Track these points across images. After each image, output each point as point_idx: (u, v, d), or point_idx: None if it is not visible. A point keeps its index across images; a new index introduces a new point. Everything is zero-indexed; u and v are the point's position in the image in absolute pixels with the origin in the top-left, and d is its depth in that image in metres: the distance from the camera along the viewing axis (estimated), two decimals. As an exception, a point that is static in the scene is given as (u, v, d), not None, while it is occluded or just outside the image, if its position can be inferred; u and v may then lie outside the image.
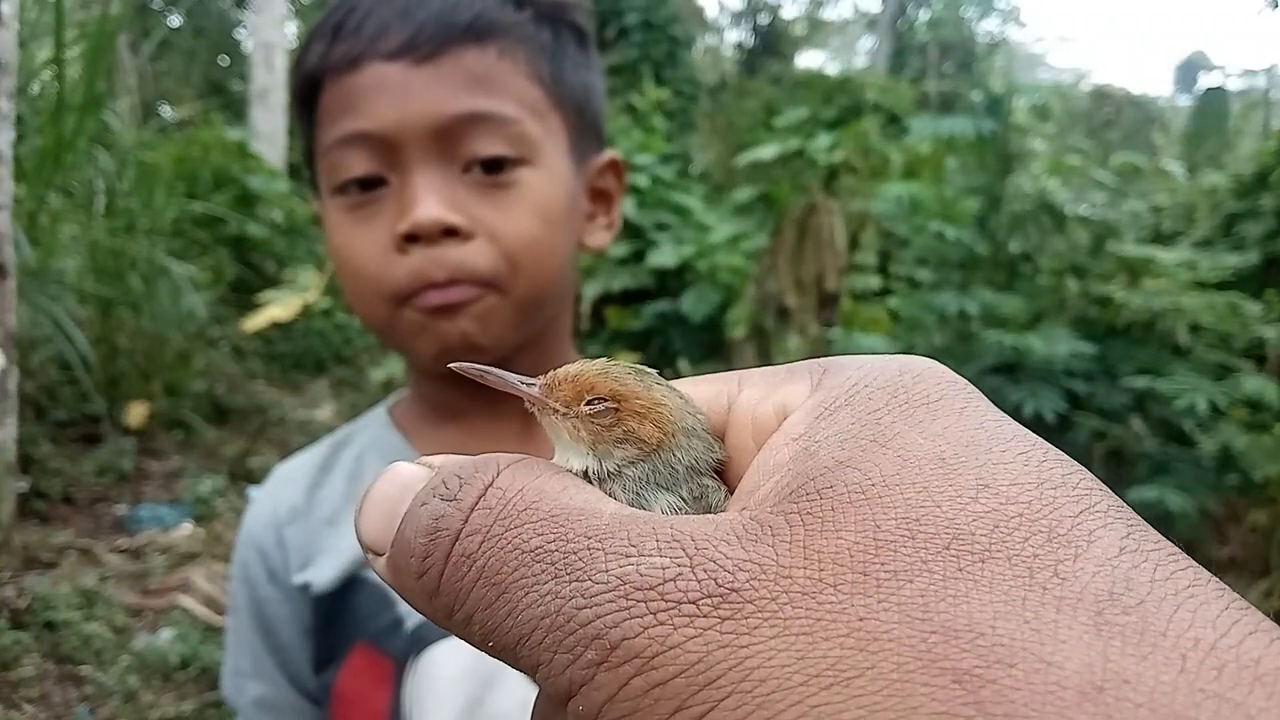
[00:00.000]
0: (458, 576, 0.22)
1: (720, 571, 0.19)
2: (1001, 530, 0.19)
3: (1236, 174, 6.05)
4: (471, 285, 0.74)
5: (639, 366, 0.31)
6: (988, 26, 22.32)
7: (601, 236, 0.83)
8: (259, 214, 7.31)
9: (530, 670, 0.21)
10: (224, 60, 15.91)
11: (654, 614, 0.19)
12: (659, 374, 0.32)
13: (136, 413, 4.93)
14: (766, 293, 7.45)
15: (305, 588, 0.80)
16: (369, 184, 0.74)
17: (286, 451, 5.05)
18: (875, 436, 0.22)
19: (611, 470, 0.30)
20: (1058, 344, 3.71)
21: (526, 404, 0.32)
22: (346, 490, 0.82)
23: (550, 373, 0.31)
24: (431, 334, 0.75)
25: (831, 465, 0.22)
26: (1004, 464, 0.21)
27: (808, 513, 0.21)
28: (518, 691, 0.72)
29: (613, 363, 0.31)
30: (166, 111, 12.34)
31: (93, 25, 5.21)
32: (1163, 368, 3.80)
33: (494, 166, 0.74)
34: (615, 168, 0.85)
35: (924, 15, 21.41)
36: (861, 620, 0.18)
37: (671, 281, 7.95)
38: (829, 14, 24.53)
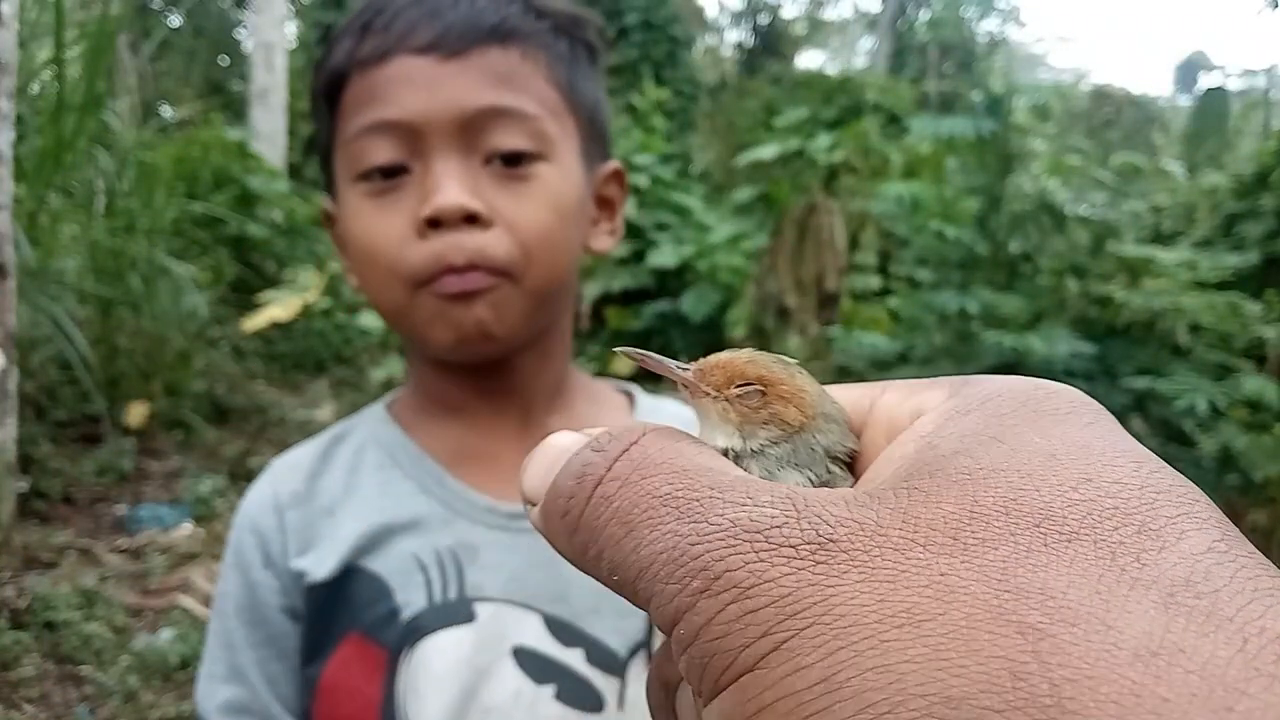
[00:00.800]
0: (595, 515, 0.25)
1: (822, 524, 0.21)
2: (1094, 518, 0.20)
3: (1236, 174, 6.06)
4: (488, 273, 0.75)
5: (782, 356, 0.34)
6: (988, 26, 22.33)
7: (605, 241, 0.86)
8: (259, 214, 7.30)
9: (645, 602, 0.23)
10: (224, 60, 15.92)
11: (756, 553, 0.21)
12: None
13: (136, 413, 4.93)
14: (767, 293, 7.46)
15: (301, 575, 0.80)
16: (391, 172, 0.76)
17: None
18: (995, 434, 0.24)
19: (754, 449, 0.32)
20: (1058, 344, 3.71)
21: (680, 386, 0.34)
22: (345, 481, 0.83)
23: (702, 359, 0.34)
24: (447, 320, 0.76)
25: (948, 454, 0.24)
26: (1112, 465, 0.22)
27: (915, 488, 0.23)
28: (510, 682, 0.73)
29: (759, 352, 0.34)
30: (166, 111, 12.34)
31: (93, 25, 5.21)
32: (1163, 368, 3.80)
33: (514, 160, 0.76)
34: (619, 177, 0.88)
35: (924, 15, 21.42)
36: (943, 575, 0.19)
37: (671, 281, 7.96)
38: (829, 14, 24.55)
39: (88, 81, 5.25)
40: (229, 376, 5.80)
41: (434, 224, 0.74)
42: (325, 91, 0.81)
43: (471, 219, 0.75)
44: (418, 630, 0.76)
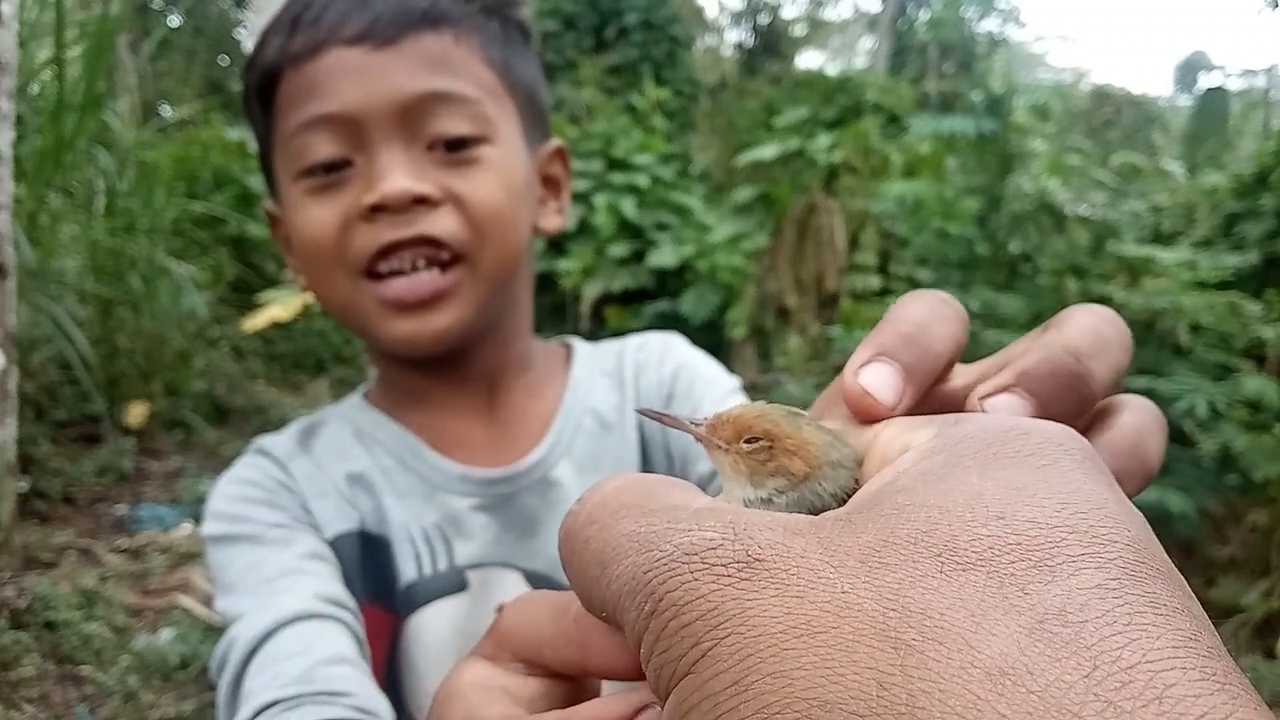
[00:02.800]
0: (581, 560, 0.28)
1: (754, 545, 0.23)
2: (993, 551, 0.22)
3: (1236, 174, 6.05)
4: (440, 267, 0.75)
5: (793, 409, 0.36)
6: (988, 26, 22.32)
7: (554, 220, 0.87)
8: (259, 214, 7.29)
9: (620, 628, 0.26)
10: (224, 60, 15.91)
11: (693, 573, 0.23)
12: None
13: (136, 413, 4.93)
14: (767, 293, 7.46)
15: (320, 525, 0.82)
16: (333, 167, 0.75)
17: (286, 451, 5.08)
18: (942, 474, 0.25)
19: (764, 498, 0.34)
20: (1058, 344, 3.70)
21: (695, 440, 0.36)
22: (334, 454, 0.84)
23: (714, 414, 0.36)
24: (398, 332, 0.77)
25: (894, 490, 0.25)
26: (1033, 505, 0.23)
27: (849, 519, 0.25)
28: None
29: (770, 405, 0.36)
30: (166, 111, 12.34)
31: (93, 25, 5.21)
32: (1163, 367, 3.79)
33: (457, 145, 0.76)
34: (562, 155, 0.88)
35: (924, 15, 21.42)
36: (843, 593, 0.22)
37: (671, 281, 7.95)
38: (829, 14, 24.54)
39: (88, 81, 5.25)
40: (229, 376, 5.79)
41: (376, 212, 0.74)
42: (258, 90, 0.80)
43: (419, 201, 0.74)
44: (414, 599, 0.79)
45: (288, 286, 6.20)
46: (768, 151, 8.02)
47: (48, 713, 2.66)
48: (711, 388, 0.91)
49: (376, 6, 0.75)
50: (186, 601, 3.09)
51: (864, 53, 27.33)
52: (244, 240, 6.96)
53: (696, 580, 0.23)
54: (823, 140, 7.86)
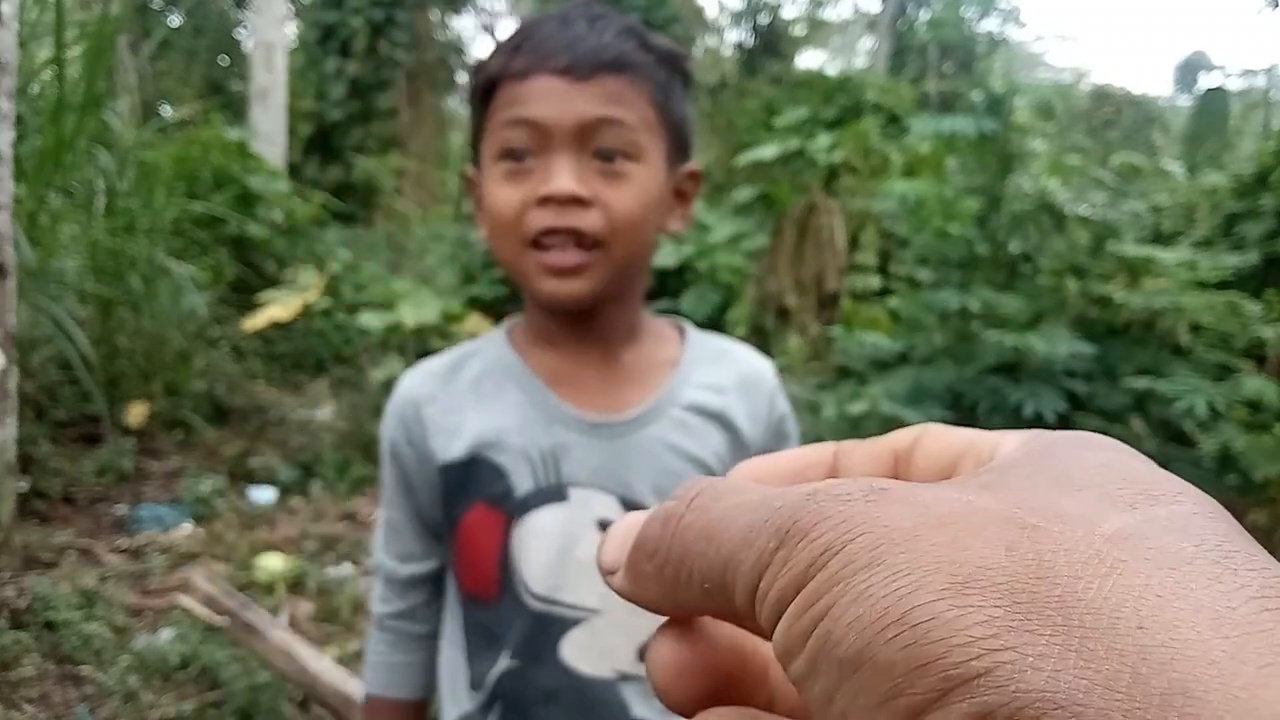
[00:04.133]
0: (681, 542, 0.28)
1: (876, 482, 0.25)
2: (1104, 481, 0.25)
3: (1236, 174, 6.05)
4: (582, 248, 0.99)
5: None
6: (988, 26, 22.31)
7: (678, 224, 1.10)
8: (259, 214, 7.29)
9: (733, 591, 0.26)
10: (224, 60, 15.91)
11: (818, 503, 0.24)
12: None
13: (136, 412, 4.93)
14: (767, 292, 7.46)
15: (433, 455, 1.08)
16: (521, 156, 1.00)
17: (286, 451, 5.08)
18: (1046, 451, 0.27)
19: None
20: (1058, 344, 3.71)
21: None
22: (472, 389, 1.09)
23: None
24: (551, 288, 1.02)
25: (1001, 462, 0.27)
26: (1128, 464, 0.26)
27: (961, 477, 0.27)
28: (594, 544, 1.06)
29: None
30: (167, 111, 12.34)
31: (93, 25, 5.21)
32: (1163, 367, 3.79)
33: (610, 156, 0.99)
34: (695, 176, 1.11)
35: (924, 15, 21.42)
36: (970, 500, 0.24)
37: (671, 281, 7.95)
38: (829, 14, 24.50)
39: (88, 81, 5.24)
40: (229, 376, 5.79)
41: (547, 201, 0.98)
42: (481, 91, 1.06)
43: (576, 201, 0.98)
44: (526, 505, 1.03)
45: (287, 286, 6.20)
46: (768, 151, 8.02)
47: (48, 713, 2.66)
48: None
49: (578, 49, 1.00)
50: (186, 601, 3.08)
51: (864, 53, 27.33)
52: (244, 240, 6.95)
53: (821, 506, 0.24)
54: (823, 140, 7.86)
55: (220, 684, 2.84)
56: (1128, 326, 4.08)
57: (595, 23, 1.04)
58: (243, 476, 4.77)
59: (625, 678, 1.02)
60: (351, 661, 2.97)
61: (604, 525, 0.99)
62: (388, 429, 1.13)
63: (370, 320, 5.70)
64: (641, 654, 1.00)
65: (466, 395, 1.10)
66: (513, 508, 1.04)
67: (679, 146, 1.08)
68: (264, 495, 4.60)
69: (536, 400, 1.07)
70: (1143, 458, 0.28)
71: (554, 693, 1.02)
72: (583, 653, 1.02)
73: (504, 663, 1.04)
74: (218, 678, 2.86)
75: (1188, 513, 0.23)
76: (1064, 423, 3.77)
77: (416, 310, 5.62)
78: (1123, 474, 0.25)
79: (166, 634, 3.09)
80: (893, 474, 0.33)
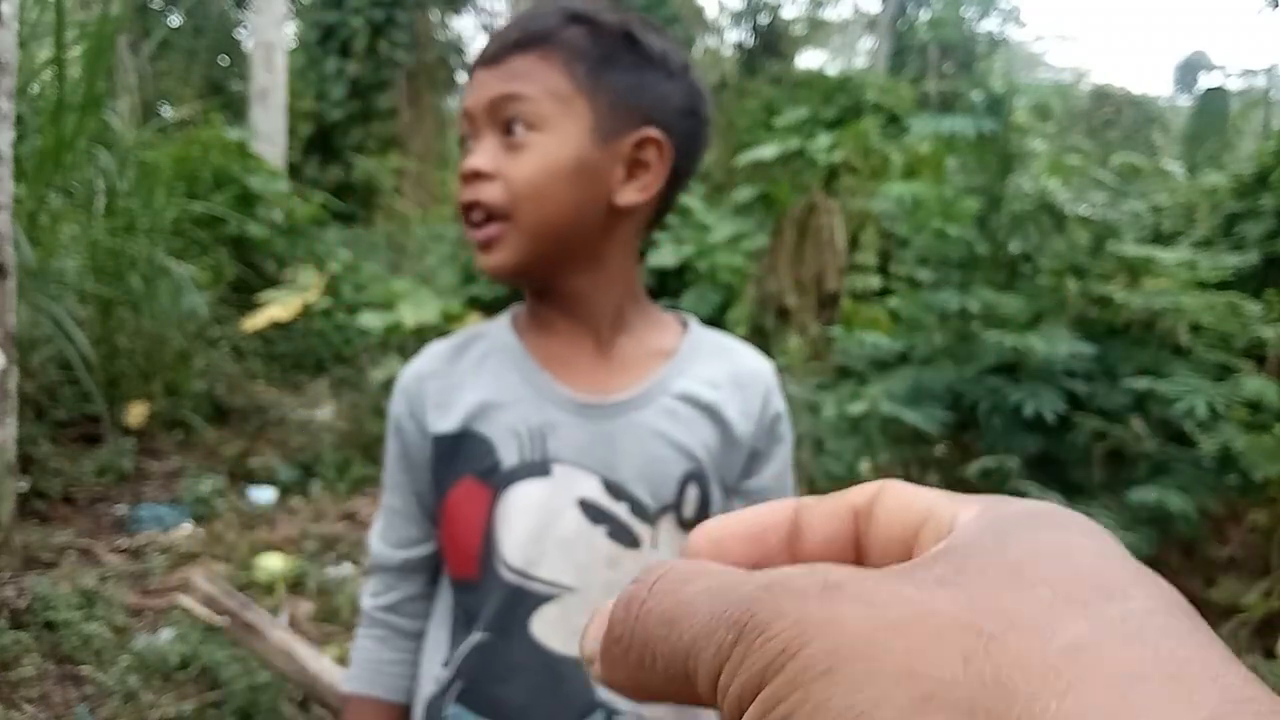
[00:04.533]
0: (643, 627, 0.28)
1: (830, 575, 0.25)
2: (1058, 577, 0.24)
3: (1236, 174, 6.05)
4: (487, 220, 1.03)
5: None
6: (988, 26, 22.31)
7: (630, 195, 1.08)
8: (259, 214, 7.29)
9: (695, 680, 0.26)
10: (224, 60, 15.91)
11: (774, 599, 0.25)
12: None
13: (136, 412, 4.93)
14: (766, 292, 7.46)
15: (428, 428, 1.11)
16: (465, 143, 1.07)
17: (286, 451, 5.08)
18: (1002, 532, 0.27)
19: None
20: (1058, 344, 3.70)
21: None
22: (473, 368, 1.13)
23: None
24: (479, 260, 1.08)
25: (954, 544, 0.27)
26: (1084, 552, 0.26)
27: (915, 563, 0.27)
28: (574, 522, 1.04)
29: None
30: (167, 111, 12.33)
31: (93, 25, 5.21)
32: (1163, 367, 3.79)
33: (510, 130, 1.02)
34: (649, 142, 1.08)
35: (924, 15, 21.42)
36: (924, 602, 0.24)
37: (671, 281, 7.95)
38: (829, 14, 24.48)
39: (88, 81, 5.24)
40: (229, 376, 5.79)
41: (462, 180, 1.05)
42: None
43: (478, 175, 1.02)
44: (511, 477, 1.05)
45: (287, 286, 6.20)
46: (768, 151, 8.02)
47: (48, 713, 2.66)
48: (772, 465, 1.16)
49: (503, 38, 1.05)
50: (186, 601, 3.08)
51: (864, 53, 27.32)
52: (244, 240, 6.95)
53: (779, 603, 0.24)
54: (823, 140, 7.86)
55: (220, 684, 2.84)
56: (1128, 326, 4.07)
57: (539, 14, 1.07)
58: (243, 476, 4.77)
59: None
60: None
61: (585, 504, 1.05)
62: (393, 405, 1.17)
63: (370, 320, 5.70)
64: None
65: (467, 373, 1.12)
66: (498, 481, 1.06)
67: (621, 115, 1.07)
68: (264, 495, 4.61)
69: (530, 379, 1.10)
70: (1096, 532, 0.28)
71: (520, 667, 1.03)
72: (553, 629, 1.04)
73: (475, 637, 1.06)
74: (218, 678, 2.86)
75: (1142, 611, 0.23)
76: (1064, 423, 3.77)
77: (416, 310, 5.62)
78: (1076, 565, 0.25)
79: (166, 634, 3.09)
80: (852, 532, 0.33)
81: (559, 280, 1.09)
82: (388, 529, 1.17)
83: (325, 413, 5.61)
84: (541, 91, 1.03)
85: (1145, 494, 3.45)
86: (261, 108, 10.15)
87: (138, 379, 5.10)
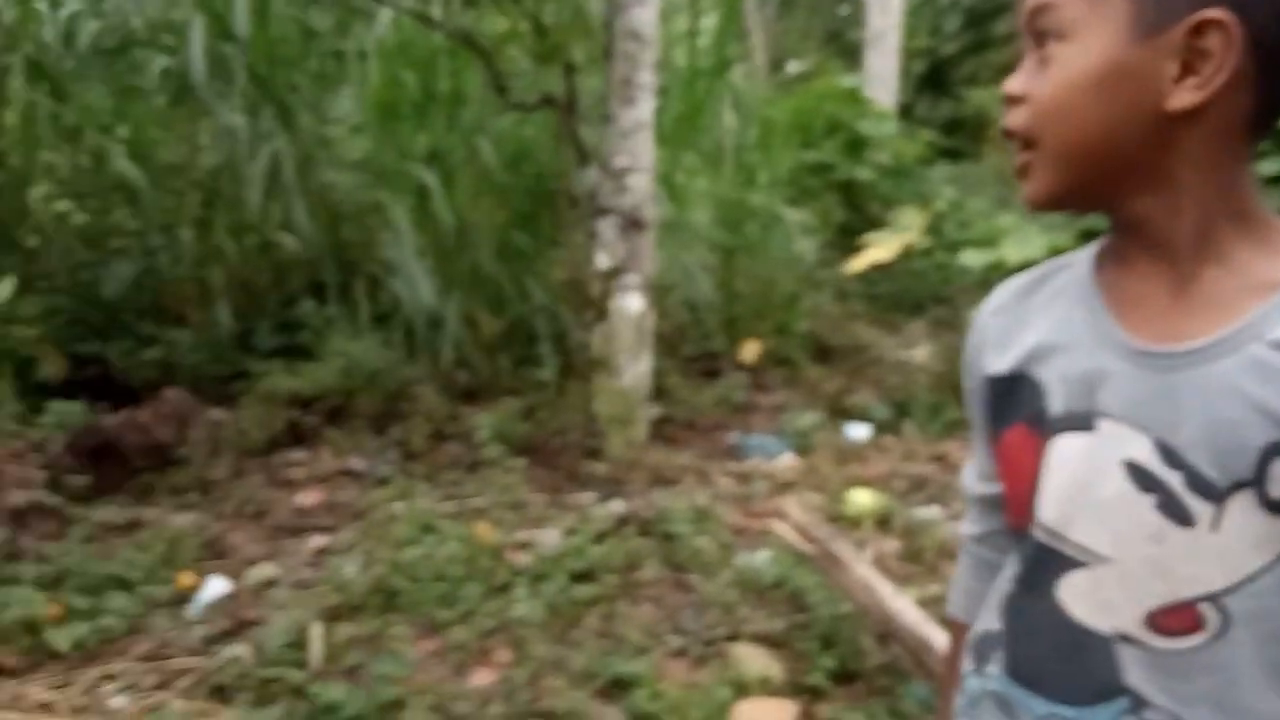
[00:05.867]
0: None
1: None
2: None
3: None
4: (1020, 146, 0.95)
5: None
6: None
7: (1184, 96, 0.89)
8: (867, 157, 7.47)
9: None
10: (844, 10, 16.46)
11: None
12: None
13: (750, 350, 5.41)
14: None
15: (984, 368, 1.05)
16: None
17: (882, 390, 5.19)
18: None
19: None
20: None
21: None
22: (1045, 304, 1.02)
23: None
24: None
25: None
26: None
27: None
28: (1116, 485, 0.90)
29: None
30: (792, 66, 13.18)
31: (723, -3, 5.72)
32: None
33: (1042, 43, 0.92)
34: (1212, 27, 0.88)
35: None
36: None
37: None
38: None
39: (717, 48, 5.81)
40: (831, 317, 6.07)
41: (1004, 104, 0.97)
42: None
43: (1010, 100, 0.95)
44: (1054, 427, 0.95)
45: (890, 228, 6.28)
46: None
47: (661, 612, 3.06)
48: None
49: None
50: (780, 527, 3.31)
51: None
52: (852, 184, 7.19)
53: None
54: None
55: (807, 608, 3.01)
56: None
57: None
58: (840, 413, 4.98)
59: (1125, 639, 0.90)
60: (931, 604, 2.94)
61: (1132, 467, 0.91)
62: (967, 339, 1.13)
63: (971, 258, 5.54)
64: (1151, 619, 0.88)
65: (1036, 310, 1.03)
66: (1044, 430, 0.96)
67: (1161, 6, 0.89)
68: (859, 432, 4.76)
69: (1090, 319, 0.98)
70: None
71: (1042, 630, 0.96)
72: (1080, 598, 0.93)
73: (1010, 588, 1.01)
74: (805, 602, 3.03)
75: None
76: None
77: (1021, 246, 5.32)
78: None
79: (763, 555, 3.35)
80: None
81: (1116, 206, 0.96)
82: (973, 458, 1.15)
83: (921, 353, 5.60)
84: None
85: None
86: (876, 51, 10.33)
87: (752, 319, 5.58)
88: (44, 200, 5.06)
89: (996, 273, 5.49)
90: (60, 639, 2.71)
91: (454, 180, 4.96)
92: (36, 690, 2.56)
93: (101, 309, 4.79)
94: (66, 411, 4.02)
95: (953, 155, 9.97)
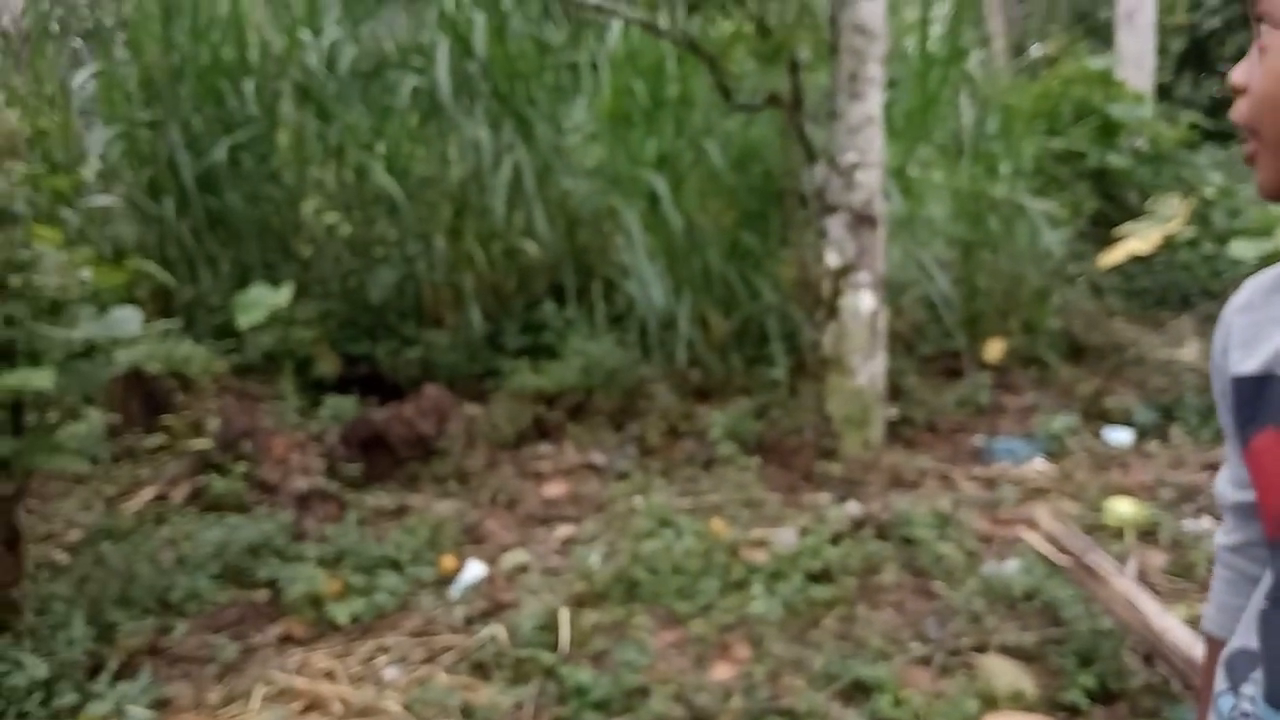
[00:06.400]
0: None
1: None
2: None
3: None
4: (1248, 136, 0.89)
5: None
6: None
7: None
8: (1121, 143, 6.97)
9: None
10: (1092, -12, 15.43)
11: None
12: None
13: (994, 349, 5.16)
14: None
15: (1227, 368, 0.98)
16: None
17: (1145, 392, 4.83)
18: None
19: None
20: None
21: None
22: None
23: None
24: None
25: None
26: None
27: None
28: None
29: None
30: (1035, 49, 12.48)
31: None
32: None
33: (1259, 32, 0.87)
34: None
35: None
36: None
37: None
38: None
39: (951, 37, 5.59)
40: (1085, 313, 5.69)
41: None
42: None
43: (1235, 90, 0.90)
44: None
45: (1148, 218, 5.83)
46: None
47: (902, 618, 2.97)
48: None
49: None
50: (1030, 536, 3.13)
51: None
52: (1105, 172, 6.73)
53: None
54: None
55: (1062, 622, 2.84)
56: None
57: None
58: (1097, 416, 4.67)
59: None
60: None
61: None
62: (1213, 338, 1.06)
63: (1243, 249, 5.05)
64: None
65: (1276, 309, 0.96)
66: None
67: None
68: (1120, 437, 4.44)
69: None
70: None
71: None
72: None
73: (1262, 603, 0.94)
74: (1059, 615, 2.86)
75: None
76: None
77: (1304, 234, 4.81)
78: None
79: (1012, 564, 3.18)
80: None
81: None
82: (1227, 465, 1.07)
83: (1189, 352, 5.15)
84: None
85: None
86: (1128, 30, 9.60)
87: (995, 317, 5.32)
88: (315, 213, 5.54)
89: (1272, 263, 5.00)
90: (340, 613, 2.98)
91: (683, 183, 5.05)
92: (320, 659, 2.81)
93: (369, 312, 5.21)
94: (340, 406, 4.41)
95: (1220, 138, 9.11)
